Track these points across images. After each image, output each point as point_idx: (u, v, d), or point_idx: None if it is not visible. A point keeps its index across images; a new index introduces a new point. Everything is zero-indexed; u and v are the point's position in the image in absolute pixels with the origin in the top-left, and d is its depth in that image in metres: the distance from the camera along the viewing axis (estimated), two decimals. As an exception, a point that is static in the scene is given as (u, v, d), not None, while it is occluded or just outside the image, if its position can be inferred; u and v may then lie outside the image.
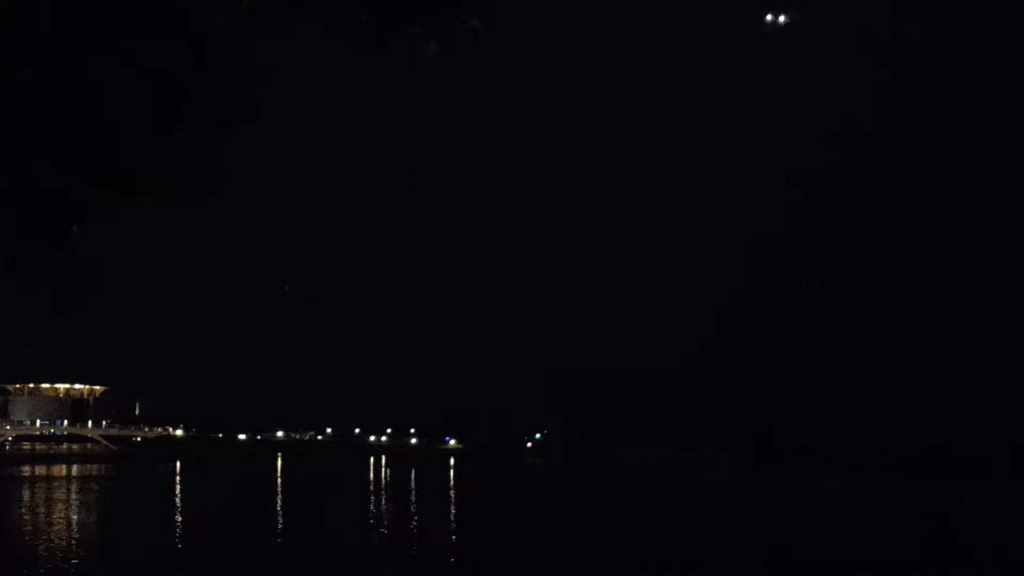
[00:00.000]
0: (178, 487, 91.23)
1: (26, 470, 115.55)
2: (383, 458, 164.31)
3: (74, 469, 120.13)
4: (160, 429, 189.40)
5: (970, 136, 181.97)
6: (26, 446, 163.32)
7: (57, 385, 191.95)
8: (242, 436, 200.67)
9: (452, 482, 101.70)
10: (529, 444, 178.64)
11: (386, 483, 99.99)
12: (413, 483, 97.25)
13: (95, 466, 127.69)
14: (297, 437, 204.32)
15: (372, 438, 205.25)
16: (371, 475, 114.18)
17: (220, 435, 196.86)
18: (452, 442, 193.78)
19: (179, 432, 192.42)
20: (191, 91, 5.86)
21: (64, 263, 6.17)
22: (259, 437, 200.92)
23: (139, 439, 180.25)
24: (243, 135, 6.10)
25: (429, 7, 5.86)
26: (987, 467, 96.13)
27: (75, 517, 56.42)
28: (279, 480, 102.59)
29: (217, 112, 5.92)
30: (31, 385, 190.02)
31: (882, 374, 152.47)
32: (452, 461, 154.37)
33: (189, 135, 5.90)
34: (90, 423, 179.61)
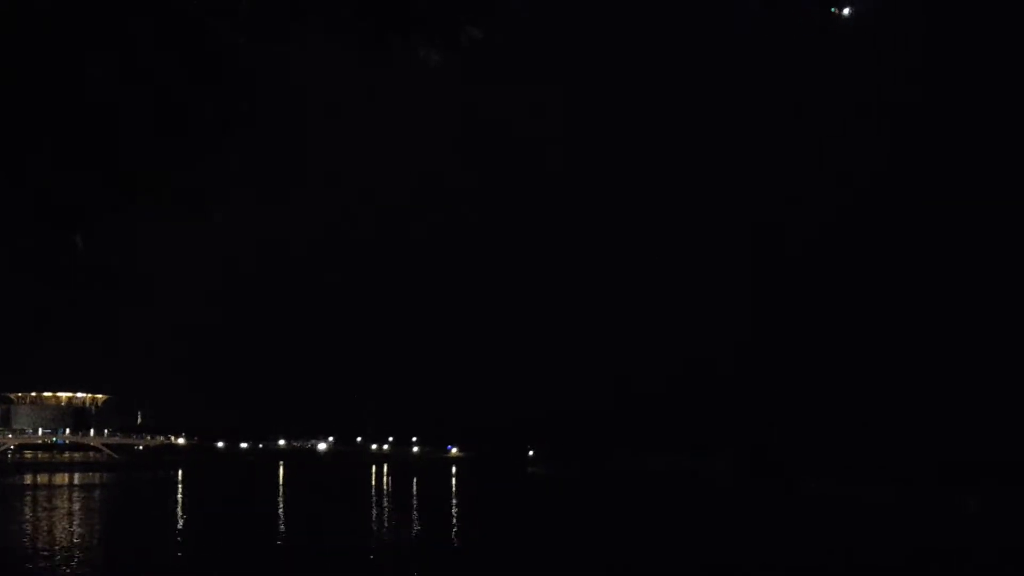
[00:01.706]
0: (180, 496, 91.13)
1: (28, 479, 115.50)
2: (385, 466, 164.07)
3: (76, 478, 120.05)
4: (162, 438, 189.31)
5: (972, 146, 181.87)
6: (28, 454, 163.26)
7: (59, 394, 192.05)
8: (244, 445, 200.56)
9: (454, 490, 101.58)
10: (531, 452, 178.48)
11: (388, 491, 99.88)
12: (415, 490, 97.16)
13: (97, 475, 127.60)
14: (299, 446, 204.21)
15: (374, 446, 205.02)
16: (373, 483, 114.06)
17: (222, 444, 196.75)
18: (454, 450, 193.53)
19: (181, 441, 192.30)
20: (192, 94, 5.85)
21: (66, 269, 6.16)
22: (261, 446, 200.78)
23: (141, 448, 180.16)
24: (244, 139, 6.11)
25: (428, 14, 5.87)
26: (992, 475, 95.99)
27: (76, 526, 56.36)
28: (280, 489, 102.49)
29: (218, 115, 5.93)
30: (33, 394, 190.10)
31: (883, 383, 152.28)
32: (454, 469, 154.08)
33: (190, 138, 5.91)
34: (92, 432, 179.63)
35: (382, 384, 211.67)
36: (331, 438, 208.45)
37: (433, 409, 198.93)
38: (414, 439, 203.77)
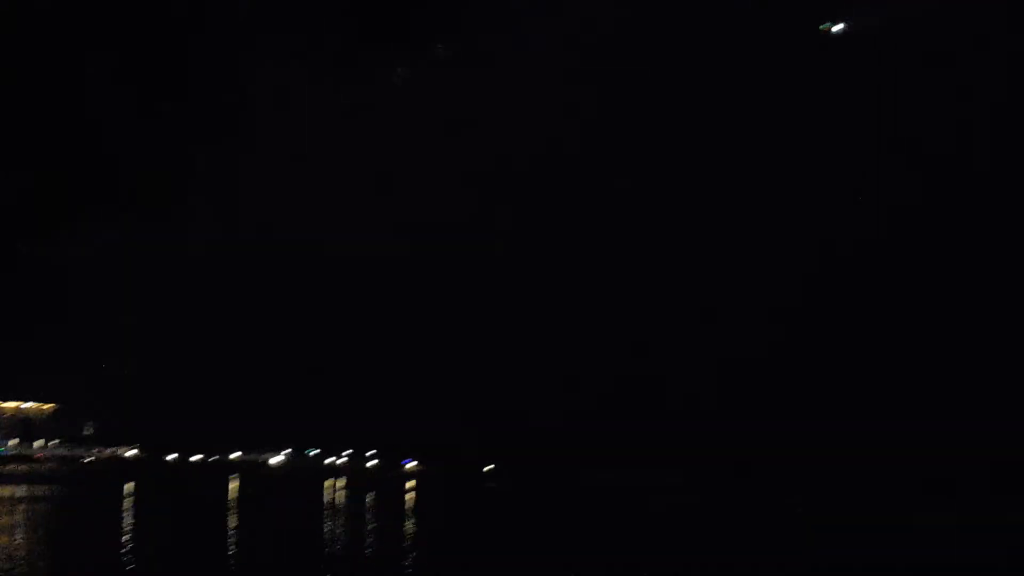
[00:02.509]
0: (128, 509, 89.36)
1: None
2: (340, 480, 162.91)
3: (20, 490, 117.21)
4: (111, 450, 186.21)
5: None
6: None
7: (5, 403, 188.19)
8: (196, 457, 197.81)
9: (409, 504, 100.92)
10: (487, 468, 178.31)
11: (341, 505, 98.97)
12: (368, 504, 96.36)
13: (42, 487, 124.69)
14: (252, 459, 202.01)
15: (330, 459, 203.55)
16: (326, 497, 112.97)
17: (173, 456, 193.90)
18: (411, 464, 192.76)
19: (131, 453, 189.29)
20: (172, 105, 5.81)
21: (20, 279, 6.19)
22: (213, 459, 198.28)
23: (89, 459, 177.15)
24: (219, 148, 6.05)
25: (399, 33, 5.93)
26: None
27: (17, 540, 54.75)
28: (230, 504, 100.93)
29: (194, 126, 6.01)
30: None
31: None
32: (410, 483, 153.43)
33: (162, 149, 6.02)
34: (39, 442, 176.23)
35: (338, 396, 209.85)
36: (286, 451, 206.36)
37: (390, 422, 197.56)
38: (370, 452, 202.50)
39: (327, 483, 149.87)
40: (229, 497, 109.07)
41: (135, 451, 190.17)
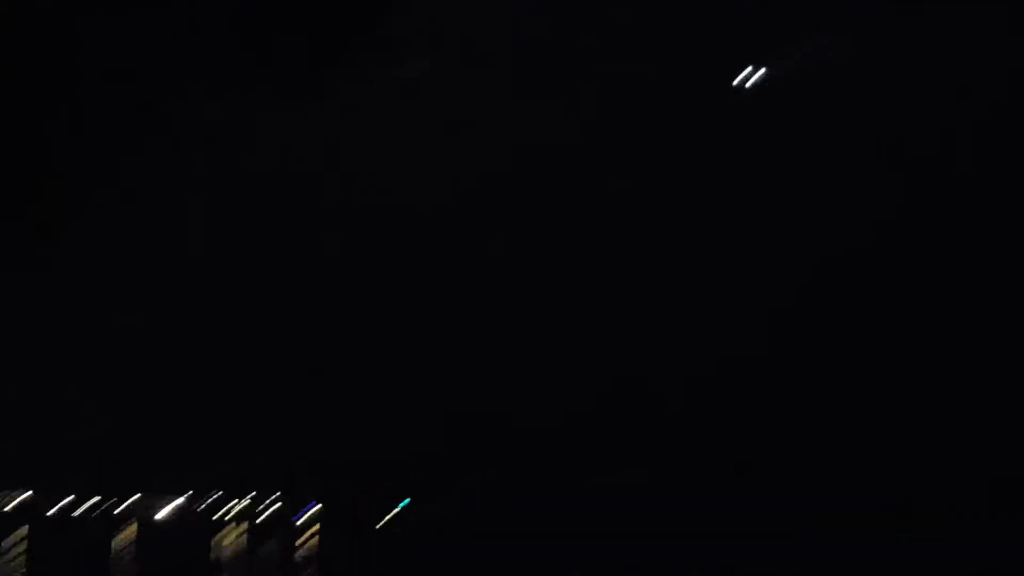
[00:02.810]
0: (15, 558, 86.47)
1: None
2: (245, 523, 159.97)
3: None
4: (3, 493, 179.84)
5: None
6: None
7: None
8: (93, 500, 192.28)
9: (315, 548, 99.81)
10: (407, 500, 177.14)
11: (242, 550, 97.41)
12: (269, 550, 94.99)
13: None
14: (150, 502, 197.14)
15: (233, 502, 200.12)
16: (226, 541, 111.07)
17: (69, 499, 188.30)
18: (316, 508, 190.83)
19: (22, 496, 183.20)
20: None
21: None
22: (111, 501, 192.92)
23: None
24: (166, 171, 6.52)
25: (371, 49, 6.11)
26: None
27: None
28: (123, 550, 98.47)
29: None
30: None
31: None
32: (320, 525, 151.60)
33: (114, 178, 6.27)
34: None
35: (242, 430, 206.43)
36: (186, 493, 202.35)
37: (298, 456, 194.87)
38: (277, 492, 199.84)
39: (228, 529, 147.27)
40: (124, 543, 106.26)
41: (28, 494, 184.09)
